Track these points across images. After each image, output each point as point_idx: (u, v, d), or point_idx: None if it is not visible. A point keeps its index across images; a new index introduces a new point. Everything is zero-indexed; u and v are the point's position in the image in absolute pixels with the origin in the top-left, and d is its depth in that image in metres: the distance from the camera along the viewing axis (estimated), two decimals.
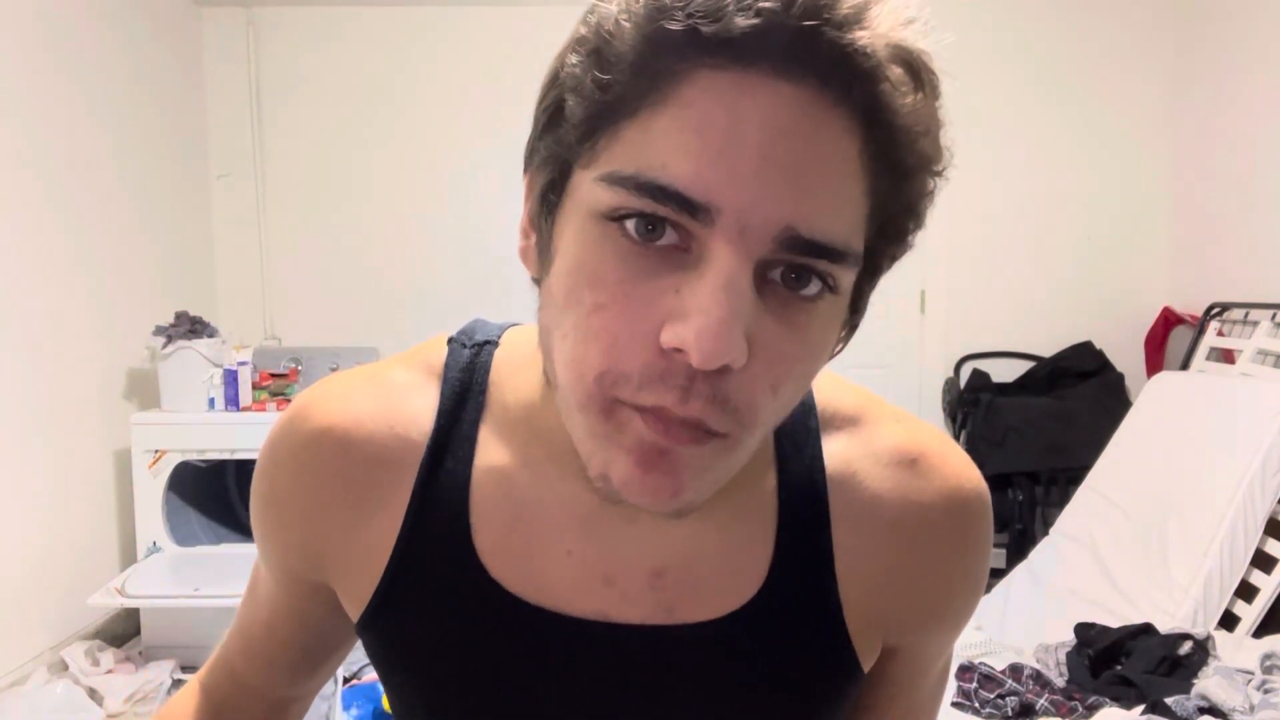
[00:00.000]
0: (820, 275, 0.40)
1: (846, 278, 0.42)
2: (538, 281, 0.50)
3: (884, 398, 0.58)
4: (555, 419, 0.47)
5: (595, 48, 0.39)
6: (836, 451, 0.52)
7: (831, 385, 0.56)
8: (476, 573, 0.51)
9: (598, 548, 0.51)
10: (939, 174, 0.43)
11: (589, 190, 0.41)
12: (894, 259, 0.46)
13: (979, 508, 0.52)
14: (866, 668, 0.53)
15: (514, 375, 0.54)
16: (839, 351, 0.47)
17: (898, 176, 0.41)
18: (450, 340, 0.58)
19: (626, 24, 0.38)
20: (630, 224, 0.40)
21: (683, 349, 0.38)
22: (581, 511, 0.51)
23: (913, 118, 0.41)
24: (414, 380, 0.55)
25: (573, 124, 0.42)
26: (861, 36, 0.38)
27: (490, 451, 0.52)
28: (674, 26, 0.37)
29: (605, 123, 0.40)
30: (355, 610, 0.54)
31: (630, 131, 0.39)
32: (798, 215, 0.38)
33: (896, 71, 0.40)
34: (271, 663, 0.65)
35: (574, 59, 0.41)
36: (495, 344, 0.57)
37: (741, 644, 0.50)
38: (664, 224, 0.39)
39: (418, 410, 0.54)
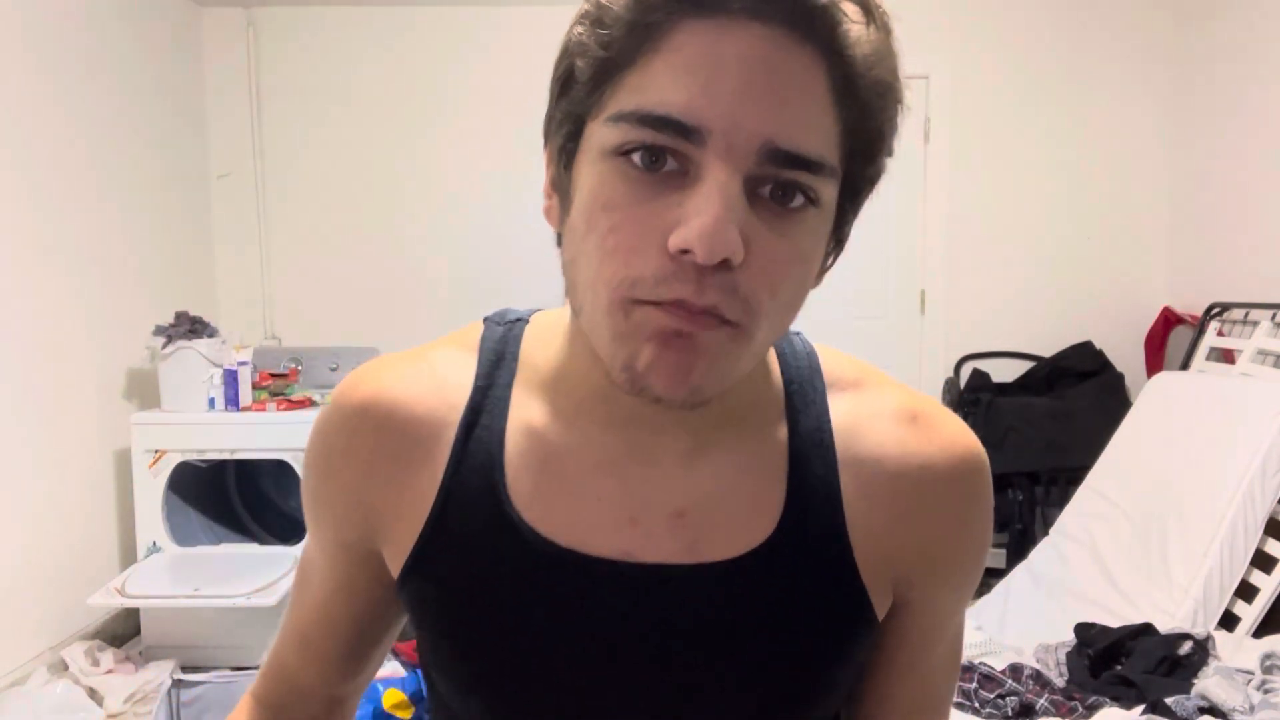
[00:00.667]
0: (802, 188, 0.46)
1: (826, 190, 0.47)
2: (560, 237, 0.53)
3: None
4: (582, 373, 0.54)
5: (596, 16, 0.46)
6: (842, 408, 0.57)
7: (834, 355, 0.61)
8: (510, 518, 0.54)
9: (623, 490, 0.54)
10: (898, 100, 0.48)
11: (599, 133, 0.47)
12: (870, 182, 0.51)
13: (977, 464, 0.56)
14: (880, 614, 0.55)
15: (543, 342, 0.59)
16: (829, 267, 0.53)
17: (860, 101, 0.47)
18: (485, 319, 0.64)
19: None
20: (636, 156, 0.46)
21: (688, 249, 0.44)
22: (608, 457, 0.55)
23: (867, 49, 0.46)
24: (453, 354, 0.61)
25: (582, 83, 0.48)
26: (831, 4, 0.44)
27: (523, 409, 0.57)
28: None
29: (609, 76, 0.47)
30: (397, 566, 0.58)
31: (630, 79, 0.46)
32: (775, 131, 0.44)
33: (851, 9, 0.45)
34: (324, 655, 0.69)
35: (579, 29, 0.47)
36: (525, 320, 0.62)
37: (759, 581, 0.53)
38: (664, 154, 0.45)
39: (457, 377, 0.59)
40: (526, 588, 0.54)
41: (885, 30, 0.47)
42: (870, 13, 0.47)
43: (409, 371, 0.60)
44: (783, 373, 0.58)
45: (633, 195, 0.46)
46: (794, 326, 0.56)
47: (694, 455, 0.54)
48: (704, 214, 0.44)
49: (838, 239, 0.52)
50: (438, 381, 0.59)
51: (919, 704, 0.60)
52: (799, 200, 0.47)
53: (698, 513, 0.54)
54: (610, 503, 0.54)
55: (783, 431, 0.56)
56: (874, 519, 0.54)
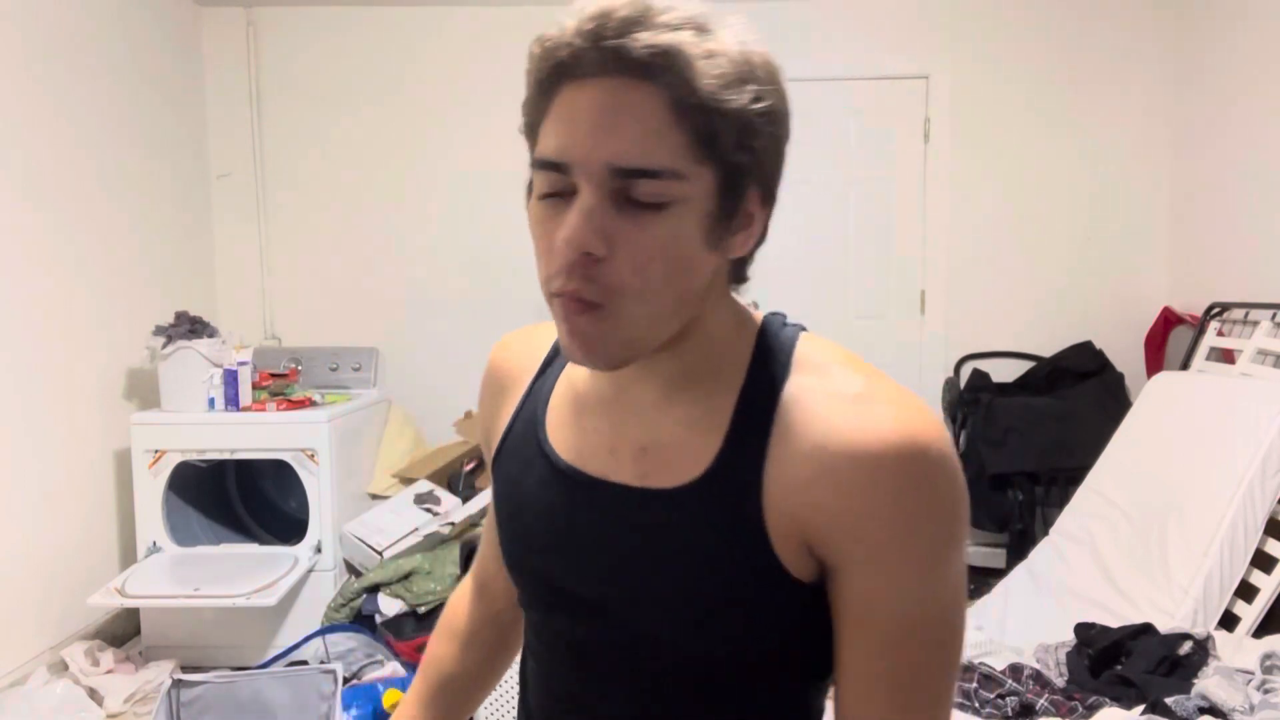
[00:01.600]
0: (643, 192, 0.59)
1: (677, 189, 0.59)
2: None
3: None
4: None
5: (526, 91, 0.66)
6: (798, 384, 0.65)
7: (819, 344, 0.69)
8: (541, 441, 0.74)
9: (609, 427, 0.70)
10: (747, 92, 0.59)
11: (532, 173, 0.65)
12: (748, 166, 0.61)
13: (910, 451, 0.59)
14: (797, 572, 0.63)
15: None
16: (749, 244, 0.66)
17: (704, 109, 0.58)
18: None
19: (530, 73, 0.64)
20: (545, 201, 0.63)
21: (559, 249, 0.60)
22: (602, 402, 0.71)
23: (700, 65, 0.58)
24: (549, 329, 0.79)
25: (526, 138, 0.67)
26: (635, 39, 0.57)
27: (570, 369, 0.76)
28: (545, 71, 0.62)
29: (532, 133, 0.66)
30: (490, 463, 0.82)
31: (540, 133, 0.64)
32: (615, 155, 0.58)
33: (684, 37, 0.58)
34: (493, 544, 0.90)
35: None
36: None
37: (683, 512, 0.65)
38: (559, 195, 0.62)
39: (543, 344, 0.81)
40: (542, 490, 0.73)
41: (724, 42, 0.60)
42: (705, 31, 0.59)
43: (517, 338, 0.85)
44: (755, 349, 0.68)
45: (543, 216, 0.63)
46: (803, 322, 0.72)
47: (660, 404, 0.68)
48: (566, 225, 0.59)
49: (729, 215, 0.62)
50: (531, 347, 0.82)
51: (886, 683, 0.63)
52: (646, 203, 0.59)
53: (654, 450, 0.68)
54: (599, 436, 0.71)
55: (734, 396, 0.66)
56: (789, 478, 0.62)
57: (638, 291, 0.60)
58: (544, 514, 0.72)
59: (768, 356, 0.67)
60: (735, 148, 0.60)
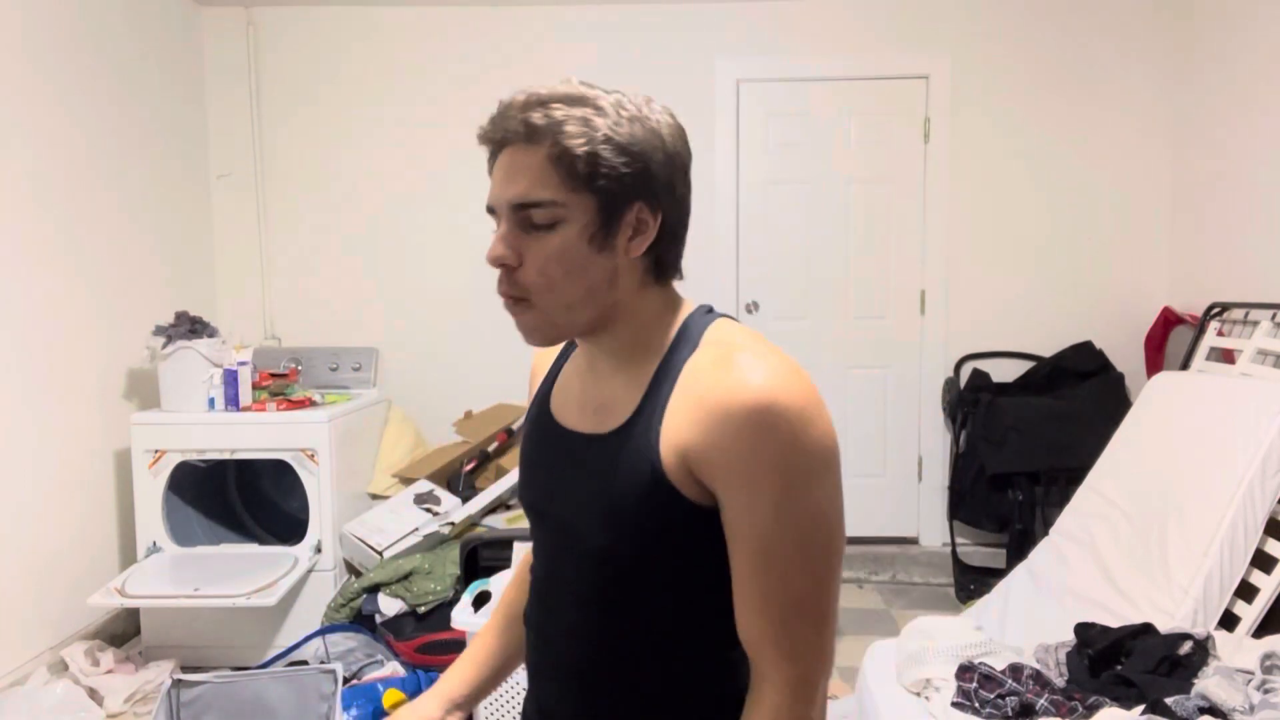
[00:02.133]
0: (533, 217, 0.82)
1: (560, 212, 0.81)
2: None
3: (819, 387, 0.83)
4: None
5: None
6: (699, 355, 0.84)
7: (729, 328, 0.87)
8: (547, 405, 0.98)
9: (581, 392, 0.93)
10: (602, 163, 0.80)
11: None
12: (618, 191, 0.81)
13: (755, 401, 0.76)
14: (685, 493, 0.81)
15: None
16: (644, 245, 0.84)
17: (568, 156, 0.80)
18: None
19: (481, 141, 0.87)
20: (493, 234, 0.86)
21: (490, 261, 0.84)
22: (580, 374, 0.95)
23: (562, 128, 0.80)
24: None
25: None
26: (521, 119, 0.82)
27: (574, 356, 0.98)
28: (487, 149, 0.86)
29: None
30: None
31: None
32: (511, 195, 0.82)
33: (555, 110, 0.81)
34: None
35: None
36: None
37: (608, 449, 0.86)
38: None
39: (559, 347, 1.03)
40: (540, 440, 0.97)
41: (582, 109, 0.81)
42: (575, 102, 0.82)
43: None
44: (677, 333, 0.87)
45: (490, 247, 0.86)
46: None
47: (610, 374, 0.90)
48: (490, 247, 0.84)
49: (612, 229, 0.82)
50: (553, 349, 1.03)
51: (757, 601, 0.80)
52: (538, 225, 0.82)
53: (605, 407, 0.89)
54: (577, 399, 0.93)
55: (656, 366, 0.86)
56: (678, 423, 0.81)
57: (545, 288, 0.83)
58: (539, 457, 0.97)
59: (684, 336, 0.87)
60: (598, 178, 0.81)
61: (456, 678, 1.07)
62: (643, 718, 0.88)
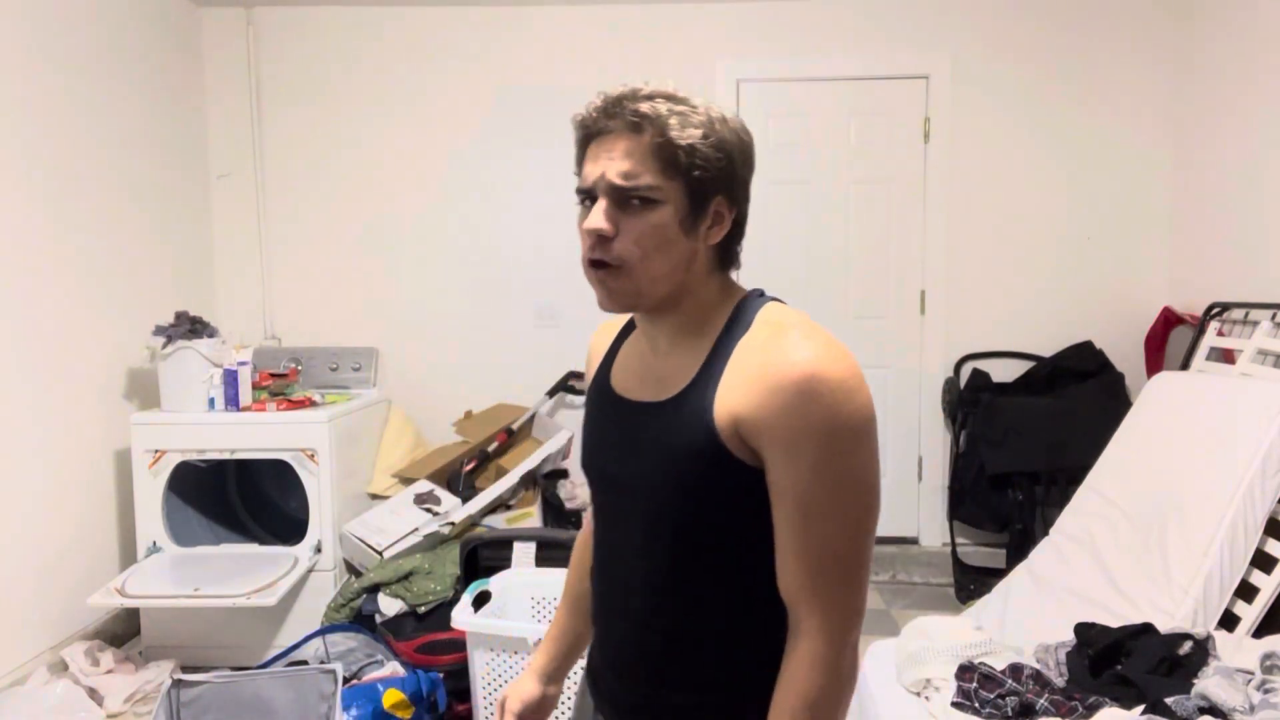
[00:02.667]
0: (633, 197, 0.91)
1: (656, 194, 0.91)
2: None
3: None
4: None
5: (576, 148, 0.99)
6: (752, 334, 0.93)
7: (782, 312, 0.96)
8: (607, 378, 1.08)
9: (643, 366, 1.03)
10: (686, 137, 0.90)
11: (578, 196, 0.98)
12: (701, 181, 0.92)
13: (799, 373, 0.85)
14: (736, 453, 0.89)
15: None
16: (720, 234, 0.96)
17: (669, 146, 0.90)
18: None
19: (576, 137, 0.97)
20: (582, 207, 0.96)
21: (588, 230, 0.94)
22: (639, 349, 1.05)
23: (665, 120, 0.90)
24: (623, 318, 1.15)
25: (576, 173, 0.99)
26: (626, 108, 0.92)
27: (633, 335, 1.09)
28: (580, 134, 0.96)
29: (579, 169, 0.97)
30: None
31: (581, 170, 0.96)
32: (611, 175, 0.91)
33: (659, 103, 0.91)
34: None
35: None
36: None
37: (664, 415, 0.95)
38: (587, 200, 0.95)
39: (618, 326, 1.15)
40: (600, 409, 1.08)
41: (682, 106, 0.92)
42: (672, 100, 0.92)
43: (603, 326, 1.19)
44: (732, 313, 0.97)
45: (581, 217, 0.96)
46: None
47: (669, 350, 0.99)
48: (590, 218, 0.93)
49: (698, 217, 0.93)
50: (610, 328, 1.16)
51: (796, 554, 0.89)
52: (637, 203, 0.91)
53: (662, 379, 0.98)
54: (637, 374, 1.03)
55: (711, 342, 0.96)
56: (731, 393, 0.89)
57: (639, 258, 0.92)
58: (601, 426, 1.06)
59: (738, 317, 0.96)
60: (694, 169, 0.91)
61: (543, 656, 1.23)
62: (696, 661, 0.96)
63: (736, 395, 0.88)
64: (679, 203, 0.91)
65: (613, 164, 0.91)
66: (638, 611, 1.00)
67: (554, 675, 1.22)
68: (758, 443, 0.88)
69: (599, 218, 0.92)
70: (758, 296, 0.99)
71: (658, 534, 0.96)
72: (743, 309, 0.96)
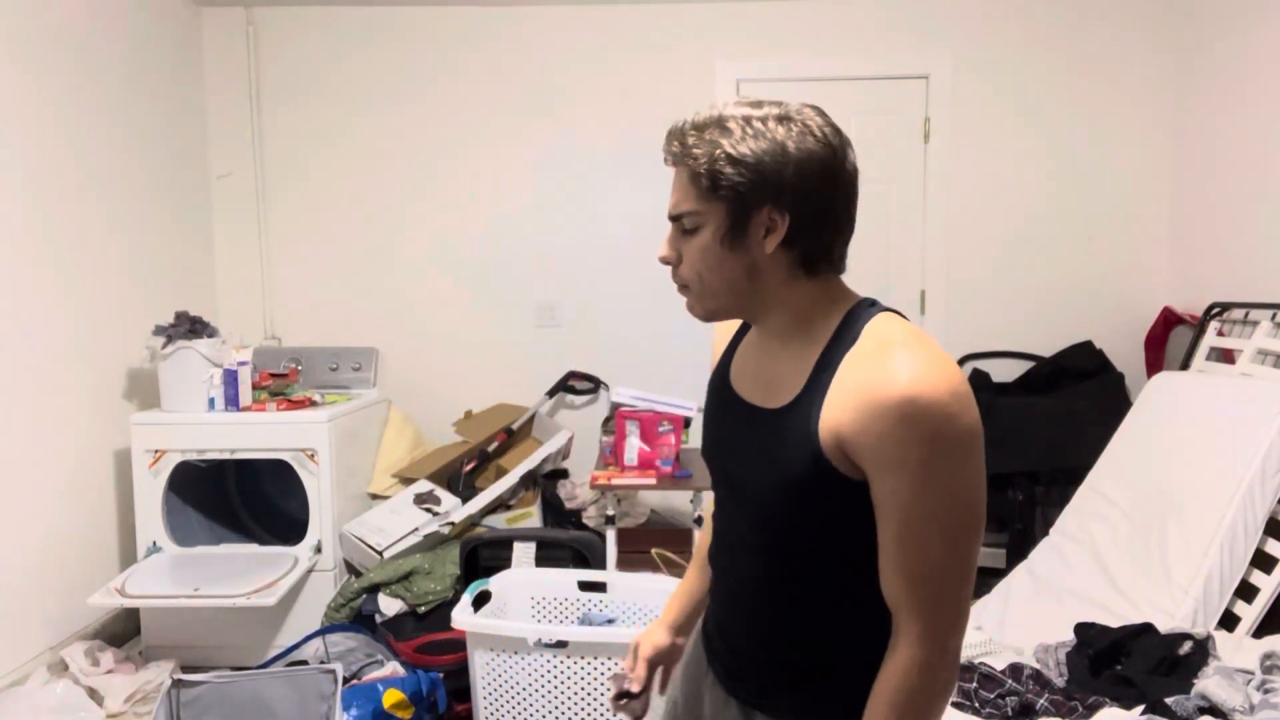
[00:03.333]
0: (684, 225, 1.00)
1: (698, 220, 0.98)
2: None
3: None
4: None
5: None
6: (859, 348, 0.94)
7: (891, 326, 0.94)
8: (727, 378, 1.13)
9: (756, 369, 1.07)
10: (716, 165, 0.95)
11: None
12: (735, 199, 0.95)
13: (902, 394, 0.86)
14: (839, 468, 0.92)
15: None
16: (776, 241, 0.96)
17: (706, 176, 0.96)
18: None
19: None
20: None
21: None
22: (754, 353, 1.09)
23: (698, 152, 0.96)
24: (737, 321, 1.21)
25: None
26: (673, 146, 1.00)
27: (750, 335, 1.13)
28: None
29: None
30: None
31: None
32: (669, 208, 1.01)
33: (677, 148, 0.99)
34: None
35: None
36: None
37: (776, 423, 0.99)
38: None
39: (734, 327, 1.20)
40: (720, 405, 1.12)
41: (711, 131, 0.96)
42: (712, 124, 0.96)
43: (722, 326, 1.22)
44: (840, 324, 0.98)
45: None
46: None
47: (778, 355, 1.03)
48: (660, 246, 1.04)
49: (742, 230, 0.96)
50: (728, 328, 1.20)
51: (898, 566, 0.91)
52: (688, 229, 1.00)
53: (773, 384, 1.02)
54: (751, 373, 1.08)
55: (819, 351, 0.97)
56: (836, 409, 0.91)
57: (695, 279, 1.01)
58: (718, 420, 1.12)
59: (846, 328, 0.97)
60: (720, 189, 0.96)
61: (673, 610, 1.32)
62: (795, 651, 1.02)
63: (839, 412, 0.91)
64: (719, 222, 0.96)
65: (670, 197, 1.02)
66: (749, 602, 1.07)
67: (682, 628, 1.31)
68: (860, 459, 0.90)
69: (662, 246, 1.03)
70: (869, 306, 0.99)
71: (767, 536, 1.01)
72: (852, 319, 0.97)
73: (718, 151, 0.94)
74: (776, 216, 0.95)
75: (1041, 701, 1.93)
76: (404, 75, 3.86)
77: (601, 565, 2.68)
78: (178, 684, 2.19)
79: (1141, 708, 1.87)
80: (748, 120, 0.95)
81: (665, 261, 1.03)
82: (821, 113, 0.97)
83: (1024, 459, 3.46)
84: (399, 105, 3.87)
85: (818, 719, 1.01)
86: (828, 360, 0.95)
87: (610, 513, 2.85)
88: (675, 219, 1.00)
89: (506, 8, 3.80)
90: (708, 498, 1.08)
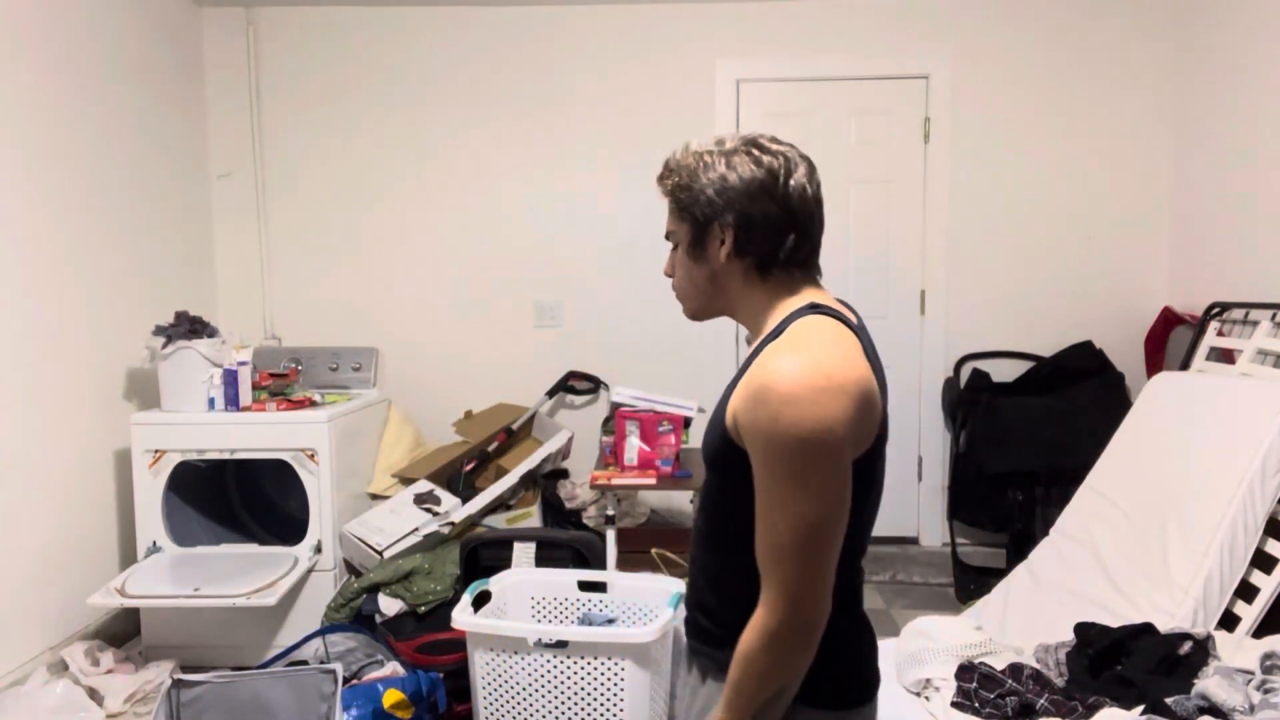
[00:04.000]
0: (671, 242, 1.20)
1: (674, 237, 1.18)
2: None
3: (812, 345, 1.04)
4: None
5: None
6: (773, 344, 1.05)
7: (805, 327, 1.06)
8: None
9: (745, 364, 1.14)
10: (680, 192, 1.14)
11: None
12: (700, 216, 1.13)
13: (761, 385, 0.99)
14: (737, 442, 1.04)
15: None
16: (726, 252, 1.12)
17: (670, 198, 1.16)
18: None
19: None
20: None
21: None
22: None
23: (668, 185, 1.16)
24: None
25: None
26: (660, 178, 1.19)
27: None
28: None
29: None
30: None
31: None
32: (666, 230, 1.21)
33: (662, 181, 1.18)
34: None
35: None
36: None
37: (719, 406, 1.10)
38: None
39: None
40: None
41: (674, 175, 1.15)
42: (670, 169, 1.16)
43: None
44: (779, 323, 1.09)
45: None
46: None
47: (750, 349, 1.13)
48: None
49: (702, 243, 1.14)
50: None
51: (758, 538, 1.02)
52: (673, 246, 1.20)
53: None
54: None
55: (757, 346, 1.10)
56: (738, 393, 1.04)
57: (679, 286, 1.20)
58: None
59: (780, 327, 1.08)
60: (681, 210, 1.15)
61: None
62: (713, 603, 1.15)
63: (737, 398, 1.04)
64: (686, 237, 1.16)
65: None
66: (696, 551, 1.21)
67: None
68: (742, 440, 1.03)
69: (666, 263, 1.22)
70: (810, 309, 1.09)
71: (704, 498, 1.18)
72: (789, 319, 1.08)
73: (680, 181, 1.14)
74: (725, 230, 1.11)
75: (1041, 701, 1.93)
76: (404, 75, 3.86)
77: (601, 565, 2.68)
78: (177, 684, 2.19)
79: (1141, 708, 1.87)
80: (701, 155, 1.13)
81: (667, 274, 1.22)
82: (774, 143, 1.12)
83: (1024, 459, 3.46)
84: (399, 105, 3.87)
85: (723, 664, 1.09)
86: (756, 353, 1.08)
87: (610, 513, 2.85)
88: (667, 238, 1.20)
89: (507, 8, 3.80)
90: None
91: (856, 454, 1.01)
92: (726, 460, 1.07)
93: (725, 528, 1.10)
